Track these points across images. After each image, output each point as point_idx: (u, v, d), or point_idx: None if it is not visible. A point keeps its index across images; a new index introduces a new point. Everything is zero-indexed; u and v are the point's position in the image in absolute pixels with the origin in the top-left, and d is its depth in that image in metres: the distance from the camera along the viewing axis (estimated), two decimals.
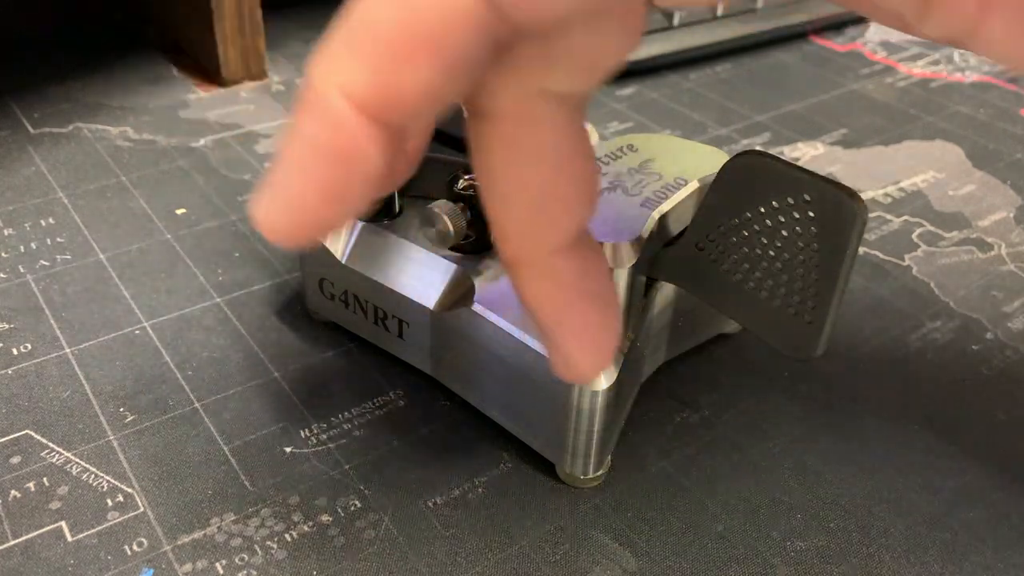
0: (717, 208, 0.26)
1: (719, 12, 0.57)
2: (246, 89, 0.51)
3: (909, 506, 0.28)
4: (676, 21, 0.55)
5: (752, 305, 0.26)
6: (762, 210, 0.25)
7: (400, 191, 0.31)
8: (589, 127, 0.33)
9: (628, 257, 0.26)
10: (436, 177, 0.31)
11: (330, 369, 0.32)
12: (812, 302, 0.25)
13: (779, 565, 0.26)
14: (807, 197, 0.24)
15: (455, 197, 0.28)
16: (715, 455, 0.29)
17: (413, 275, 0.30)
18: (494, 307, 0.28)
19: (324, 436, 0.29)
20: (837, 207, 0.23)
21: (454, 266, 0.29)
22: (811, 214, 0.24)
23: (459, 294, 0.29)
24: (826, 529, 0.27)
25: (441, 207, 0.28)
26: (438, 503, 0.27)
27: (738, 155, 0.25)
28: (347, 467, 0.28)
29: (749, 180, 0.25)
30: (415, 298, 0.30)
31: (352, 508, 0.27)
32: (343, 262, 0.31)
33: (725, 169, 0.25)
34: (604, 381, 0.26)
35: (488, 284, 0.28)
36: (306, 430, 0.29)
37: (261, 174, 0.43)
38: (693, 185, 0.28)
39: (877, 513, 0.28)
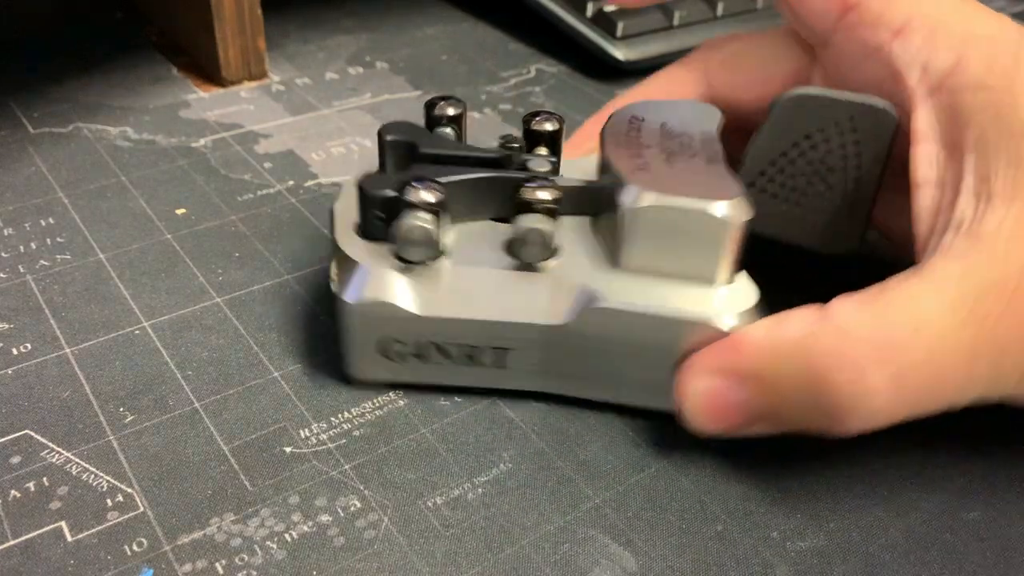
0: (768, 147, 0.29)
1: (719, 12, 0.57)
2: (246, 89, 0.51)
3: (909, 506, 0.28)
4: (676, 21, 0.55)
5: (794, 220, 0.30)
6: (808, 137, 0.28)
7: (438, 224, 0.28)
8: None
9: (748, 209, 0.27)
10: (472, 200, 0.29)
11: (330, 369, 0.32)
12: (851, 198, 0.28)
13: (779, 565, 0.26)
14: (851, 115, 0.27)
15: (524, 207, 0.28)
16: (715, 455, 0.29)
17: (516, 298, 0.28)
18: (619, 297, 0.28)
19: (324, 436, 0.29)
20: (876, 119, 0.27)
21: (549, 276, 0.28)
22: (854, 129, 0.27)
23: (566, 300, 0.28)
24: (826, 529, 0.27)
25: (529, 223, 0.27)
26: (438, 503, 0.27)
27: (787, 94, 0.28)
28: (347, 467, 0.28)
29: (799, 114, 0.28)
30: (530, 320, 0.28)
31: (352, 508, 0.27)
32: (419, 315, 0.28)
33: (776, 108, 0.28)
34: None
35: (598, 284, 0.28)
36: (306, 430, 0.29)
37: (261, 174, 0.43)
38: (716, 133, 0.30)
39: (877, 513, 0.28)
